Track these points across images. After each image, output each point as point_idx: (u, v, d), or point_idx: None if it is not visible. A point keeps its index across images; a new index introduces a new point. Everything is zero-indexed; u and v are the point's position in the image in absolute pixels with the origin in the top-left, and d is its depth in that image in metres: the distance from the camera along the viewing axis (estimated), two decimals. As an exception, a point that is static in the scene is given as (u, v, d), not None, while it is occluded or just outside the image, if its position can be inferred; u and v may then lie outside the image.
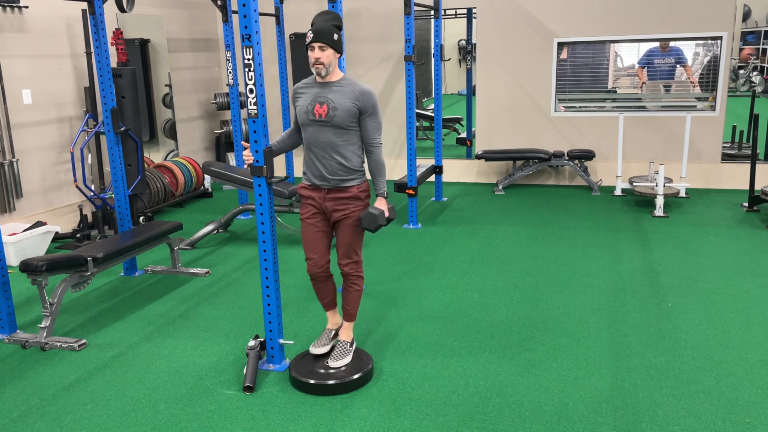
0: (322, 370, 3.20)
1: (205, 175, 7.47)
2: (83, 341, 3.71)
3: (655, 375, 3.22)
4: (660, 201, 6.18)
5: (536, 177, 7.74)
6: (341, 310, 3.38)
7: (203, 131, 8.24)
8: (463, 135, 9.15)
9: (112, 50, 6.00)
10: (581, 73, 7.47)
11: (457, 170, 8.04)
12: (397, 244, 5.47)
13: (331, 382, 3.12)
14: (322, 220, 3.19)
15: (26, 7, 5.63)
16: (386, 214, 3.18)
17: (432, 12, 6.93)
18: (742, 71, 14.21)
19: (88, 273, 3.93)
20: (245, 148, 3.22)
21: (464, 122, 9.54)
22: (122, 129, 4.88)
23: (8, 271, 4.28)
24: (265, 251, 3.22)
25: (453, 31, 13.14)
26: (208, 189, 7.57)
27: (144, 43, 7.24)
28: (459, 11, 8.58)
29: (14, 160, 5.53)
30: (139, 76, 6.57)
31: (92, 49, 4.98)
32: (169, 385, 3.24)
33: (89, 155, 6.20)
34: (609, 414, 2.90)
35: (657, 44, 7.29)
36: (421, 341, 3.65)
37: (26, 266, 3.69)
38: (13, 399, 3.16)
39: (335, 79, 3.07)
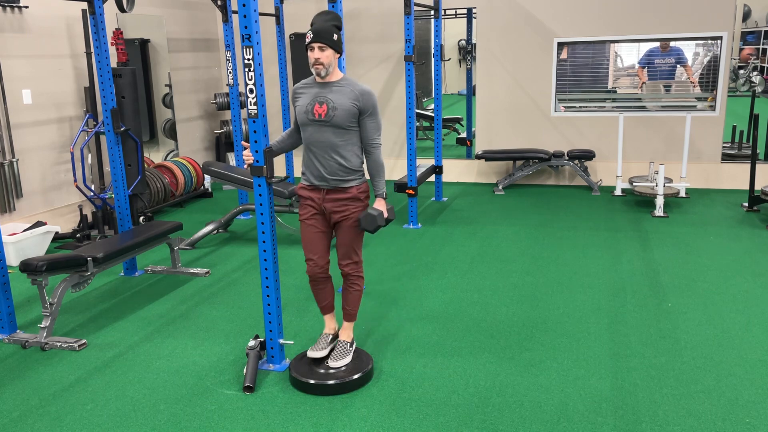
0: (322, 370, 3.20)
1: (205, 175, 7.47)
2: (83, 341, 3.71)
3: (655, 375, 3.22)
4: (660, 201, 6.18)
5: (536, 177, 7.74)
6: (341, 310, 3.38)
7: (203, 131, 8.24)
8: (463, 135, 9.15)
9: (112, 50, 6.00)
10: (581, 73, 7.47)
11: (457, 170, 8.04)
12: (397, 244, 5.47)
13: (331, 382, 3.12)
14: (321, 220, 3.19)
15: (26, 7, 5.63)
16: (385, 215, 3.18)
17: (432, 12, 6.93)
18: (742, 71, 14.21)
19: (88, 273, 3.93)
20: (245, 148, 3.22)
21: (464, 122, 9.54)
22: (122, 129, 4.88)
23: (8, 271, 4.28)
24: (265, 251, 3.22)
25: (453, 31, 13.14)
26: (208, 189, 7.57)
27: (144, 43, 7.24)
28: (459, 11, 8.58)
29: (14, 160, 5.53)
30: (139, 76, 6.58)
31: (92, 49, 4.98)
32: (169, 385, 3.24)
33: (89, 155, 6.20)
34: (609, 414, 2.90)
35: (657, 44, 7.29)
36: (421, 341, 3.65)
37: (26, 266, 3.69)
38: (13, 399, 3.16)
39: (335, 79, 3.07)
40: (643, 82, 7.46)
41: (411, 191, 5.92)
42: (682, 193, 6.74)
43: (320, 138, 3.06)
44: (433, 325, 3.85)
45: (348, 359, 3.28)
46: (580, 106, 7.58)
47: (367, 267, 4.82)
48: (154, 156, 7.54)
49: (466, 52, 8.83)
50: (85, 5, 5.91)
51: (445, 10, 7.68)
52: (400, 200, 6.85)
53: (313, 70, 3.04)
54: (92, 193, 5.80)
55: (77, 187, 5.70)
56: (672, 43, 7.25)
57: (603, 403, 2.98)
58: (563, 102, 7.57)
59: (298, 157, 7.95)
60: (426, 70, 10.97)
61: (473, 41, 8.26)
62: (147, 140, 7.41)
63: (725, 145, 7.64)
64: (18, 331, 3.90)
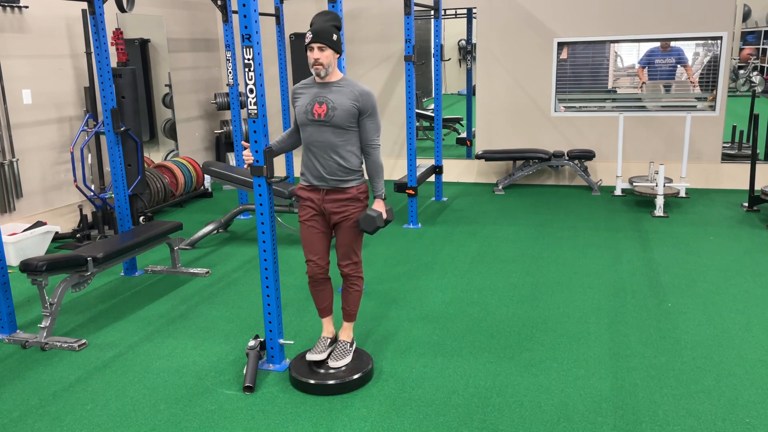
0: (322, 370, 3.20)
1: (205, 175, 7.47)
2: (83, 341, 3.71)
3: (655, 375, 3.22)
4: (660, 201, 6.18)
5: (536, 177, 7.74)
6: (340, 311, 3.38)
7: (203, 131, 8.24)
8: (463, 135, 9.15)
9: (112, 50, 6.00)
10: (581, 73, 7.47)
11: (457, 170, 8.04)
12: (397, 244, 5.47)
13: (331, 382, 3.12)
14: (321, 221, 3.18)
15: (26, 7, 5.63)
16: (384, 216, 3.18)
17: (432, 12, 6.93)
18: (742, 71, 14.21)
19: (88, 273, 3.93)
20: (245, 148, 3.22)
21: (464, 122, 9.54)
22: (122, 129, 4.88)
23: (8, 271, 4.28)
24: (265, 251, 3.22)
25: (453, 31, 13.14)
26: (208, 189, 7.57)
27: (144, 43, 7.24)
28: (459, 11, 8.58)
29: (14, 160, 5.53)
30: (139, 76, 6.58)
31: (92, 49, 4.98)
32: (169, 385, 3.24)
33: (89, 155, 6.20)
34: (609, 414, 2.90)
35: (658, 44, 7.29)
36: (421, 341, 3.65)
37: (26, 266, 3.69)
38: (13, 399, 3.16)
39: (335, 79, 3.07)
40: (643, 82, 7.46)
41: (411, 191, 5.92)
42: (682, 193, 6.74)
43: (320, 138, 3.06)
44: (433, 325, 3.85)
45: (348, 359, 3.28)
46: (580, 106, 7.58)
47: (367, 267, 4.82)
48: (154, 156, 7.54)
49: (466, 52, 8.83)
50: (85, 5, 5.91)
51: (445, 10, 7.68)
52: (400, 200, 6.85)
53: (312, 71, 3.04)
54: (92, 193, 5.80)
55: (77, 187, 5.70)
56: (672, 43, 7.25)
57: (603, 403, 2.98)
58: (563, 102, 7.57)
59: (298, 157, 7.95)
60: (426, 70, 10.97)
61: (473, 41, 8.27)
62: (147, 140, 7.41)
63: (725, 145, 7.64)
64: (18, 331, 3.91)
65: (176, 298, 4.43)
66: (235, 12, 6.15)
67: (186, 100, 7.87)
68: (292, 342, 3.53)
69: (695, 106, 7.25)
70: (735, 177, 7.20)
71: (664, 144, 7.29)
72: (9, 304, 3.84)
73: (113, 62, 5.99)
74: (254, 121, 3.10)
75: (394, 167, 8.16)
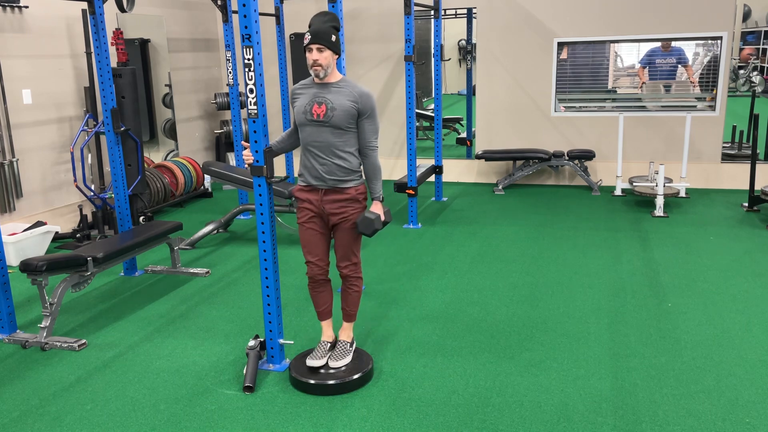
0: (322, 370, 3.20)
1: (205, 175, 7.47)
2: (83, 341, 3.71)
3: (655, 375, 3.22)
4: (660, 201, 6.18)
5: (536, 177, 7.74)
6: (340, 312, 3.38)
7: (203, 131, 8.24)
8: (463, 135, 9.15)
9: (112, 50, 6.00)
10: (581, 73, 7.47)
11: (457, 170, 8.04)
12: (397, 244, 5.47)
13: (331, 382, 3.12)
14: (319, 222, 3.18)
15: (26, 7, 5.63)
16: (382, 218, 3.17)
17: (432, 12, 6.93)
18: (742, 71, 14.21)
19: (88, 273, 3.93)
20: (245, 148, 3.21)
21: (464, 122, 9.54)
22: (122, 129, 4.88)
23: (8, 271, 4.28)
24: (265, 251, 3.22)
25: (453, 31, 13.14)
26: (208, 189, 7.57)
27: (144, 43, 7.25)
28: (459, 11, 8.58)
29: (14, 160, 5.53)
30: (139, 76, 6.58)
31: (92, 49, 4.99)
32: (169, 385, 3.24)
33: (89, 155, 6.20)
34: (609, 414, 2.90)
35: (658, 44, 7.29)
36: (421, 341, 3.65)
37: (26, 266, 3.69)
38: (13, 399, 3.16)
39: (334, 80, 3.07)
40: (643, 82, 7.47)
41: (411, 191, 5.92)
42: (682, 193, 6.74)
43: (318, 138, 3.06)
44: (433, 325, 3.85)
45: (348, 359, 3.28)
46: (580, 106, 7.58)
47: (367, 267, 4.82)
48: (154, 156, 7.54)
49: (466, 52, 8.83)
50: (85, 5, 5.91)
51: (445, 10, 7.68)
52: (399, 200, 6.85)
53: (311, 72, 3.04)
54: (92, 193, 5.81)
55: (77, 187, 5.70)
56: (673, 43, 7.25)
57: (603, 403, 2.98)
58: (563, 102, 7.57)
59: (298, 157, 7.95)
60: (426, 70, 10.97)
61: (473, 41, 8.27)
62: (147, 140, 7.41)
63: (725, 145, 7.64)
64: (18, 331, 3.91)
65: (176, 298, 4.43)
66: (235, 12, 6.15)
67: (186, 100, 7.87)
68: (292, 342, 3.53)
69: (695, 106, 7.25)
70: (735, 177, 7.20)
71: (664, 144, 7.29)
72: (9, 304, 3.84)
73: (113, 62, 5.99)
74: (254, 121, 3.10)
75: (394, 167, 8.16)
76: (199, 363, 3.47)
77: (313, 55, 2.98)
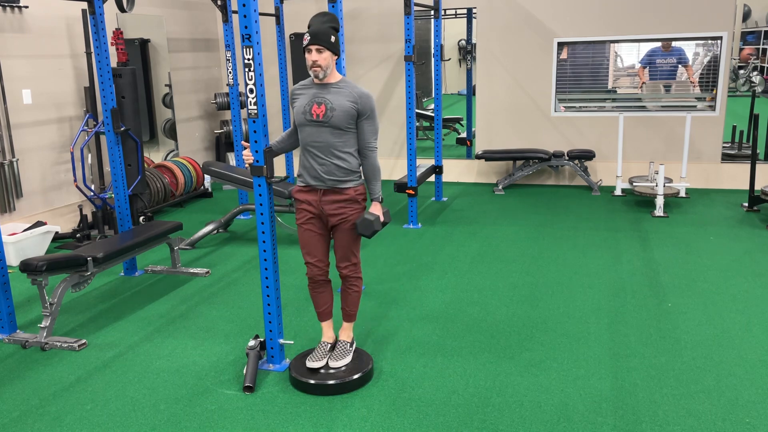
0: (323, 370, 3.20)
1: (205, 175, 7.47)
2: (83, 341, 3.71)
3: (655, 375, 3.22)
4: (660, 201, 6.18)
5: (536, 177, 7.74)
6: (340, 312, 3.38)
7: (203, 131, 8.24)
8: (463, 135, 9.15)
9: (112, 50, 6.00)
10: (581, 73, 7.47)
11: (457, 170, 8.04)
12: (397, 244, 5.47)
13: (331, 382, 3.12)
14: (318, 224, 3.17)
15: (26, 7, 5.63)
16: (381, 219, 3.17)
17: (432, 12, 6.93)
18: (742, 71, 14.21)
19: (88, 273, 3.93)
20: (245, 148, 3.21)
21: (464, 122, 9.54)
22: (122, 129, 4.88)
23: (8, 271, 4.28)
24: (265, 251, 3.22)
25: (453, 31, 13.14)
26: (208, 189, 7.57)
27: (144, 43, 7.25)
28: (459, 11, 8.58)
29: (14, 160, 5.53)
30: (139, 76, 6.58)
31: (92, 49, 4.99)
32: (169, 385, 3.24)
33: (89, 155, 6.20)
34: (609, 414, 2.90)
35: (659, 44, 7.29)
36: (421, 341, 3.64)
37: (26, 266, 3.69)
38: (13, 399, 3.16)
39: (333, 80, 3.07)
40: (643, 82, 7.47)
41: (411, 191, 5.92)
42: (682, 193, 6.74)
43: (318, 138, 3.06)
44: (433, 325, 3.85)
45: (348, 359, 3.28)
46: (580, 106, 7.58)
47: (367, 267, 4.82)
48: (154, 156, 7.54)
49: (466, 52, 8.84)
50: (85, 5, 5.91)
51: (445, 10, 7.68)
52: (400, 200, 6.85)
53: (311, 73, 3.03)
54: (92, 193, 5.81)
55: (77, 187, 5.70)
56: (673, 43, 7.25)
57: (603, 403, 2.98)
58: (563, 102, 7.57)
59: (298, 157, 7.94)
60: (426, 70, 10.97)
61: (473, 41, 8.27)
62: (147, 140, 7.41)
63: (725, 145, 7.64)
64: (18, 331, 3.91)
65: (176, 298, 4.43)
66: (235, 12, 6.15)
67: (186, 100, 7.87)
68: (292, 342, 3.53)
69: (695, 106, 7.25)
70: (735, 177, 7.20)
71: (664, 144, 7.29)
72: (9, 304, 3.84)
73: (113, 62, 5.99)
74: (254, 121, 3.10)
75: (394, 167, 8.16)
76: (199, 363, 3.47)
77: (312, 56, 2.98)
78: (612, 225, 5.90)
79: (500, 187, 7.43)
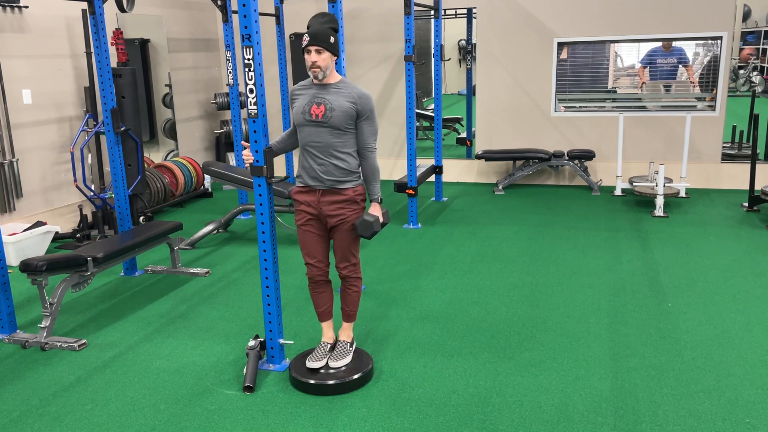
0: (323, 370, 3.20)
1: (205, 175, 7.47)
2: (83, 341, 3.71)
3: (655, 375, 3.22)
4: (660, 201, 6.18)
5: (536, 177, 7.74)
6: (340, 312, 3.38)
7: (203, 131, 8.24)
8: (463, 135, 9.15)
9: (112, 50, 6.00)
10: (581, 73, 7.47)
11: (457, 170, 8.04)
12: (397, 244, 5.47)
13: (331, 382, 3.12)
14: (317, 224, 3.17)
15: (26, 7, 5.63)
16: (381, 219, 3.17)
17: (432, 12, 6.93)
18: (742, 71, 14.21)
19: (88, 273, 3.93)
20: (245, 148, 3.21)
21: (464, 122, 9.54)
22: (122, 129, 4.88)
23: (8, 271, 4.28)
24: (265, 251, 3.22)
25: (453, 31, 13.14)
26: (208, 189, 7.57)
27: (144, 43, 7.25)
28: (459, 11, 8.58)
29: (14, 160, 5.53)
30: (139, 76, 6.58)
31: (92, 49, 4.99)
32: (169, 385, 3.24)
33: (89, 155, 6.20)
34: (609, 414, 2.90)
35: (659, 44, 7.29)
36: (421, 341, 3.65)
37: (26, 266, 3.69)
38: (13, 399, 3.16)
39: (333, 81, 3.07)
40: (643, 82, 7.47)
41: (411, 191, 5.92)
42: (682, 193, 6.74)
43: (317, 139, 3.05)
44: (433, 325, 3.85)
45: (348, 359, 3.28)
46: (580, 106, 7.58)
47: (367, 267, 4.82)
48: (154, 156, 7.54)
49: (466, 52, 8.83)
50: (85, 5, 5.91)
51: (445, 10, 7.68)
52: (399, 200, 6.85)
53: (310, 73, 3.03)
54: (92, 193, 5.81)
55: (77, 187, 5.70)
56: (674, 43, 7.25)
57: (603, 403, 2.98)
58: (563, 102, 7.57)
59: (297, 157, 7.94)
60: (426, 70, 10.97)
61: (473, 41, 8.27)
62: (147, 140, 7.41)
63: (725, 145, 7.64)
64: (18, 331, 3.91)
65: (176, 298, 4.43)
66: (235, 12, 6.15)
67: (186, 100, 7.87)
68: (292, 342, 3.53)
69: (695, 106, 7.25)
70: (735, 177, 7.20)
71: (664, 144, 7.29)
72: (9, 304, 3.84)
73: (113, 62, 5.99)
74: (254, 121, 3.10)
75: (394, 167, 8.16)
76: (199, 363, 3.47)
77: (311, 57, 2.98)
78: (612, 225, 5.90)
79: (500, 187, 7.43)
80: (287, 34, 7.66)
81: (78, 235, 5.73)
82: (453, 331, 3.77)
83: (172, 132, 7.72)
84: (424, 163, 6.84)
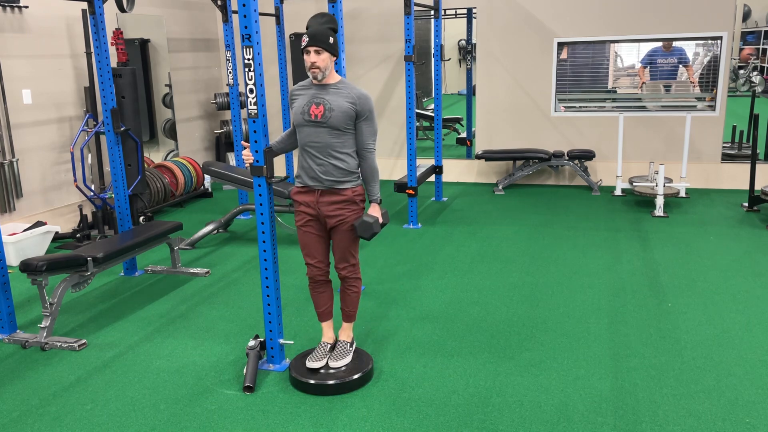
0: (323, 370, 3.20)
1: (205, 175, 7.47)
2: (83, 341, 3.71)
3: (655, 375, 3.22)
4: (660, 201, 6.18)
5: (536, 177, 7.74)
6: (339, 312, 3.38)
7: (203, 131, 8.24)
8: (463, 135, 9.15)
9: (112, 50, 6.00)
10: (581, 73, 7.47)
11: (457, 170, 8.04)
12: (397, 244, 5.47)
13: (331, 382, 3.12)
14: (317, 225, 3.17)
15: (26, 7, 5.63)
16: (380, 220, 3.17)
17: (432, 12, 6.93)
18: (742, 71, 14.21)
19: (88, 273, 3.93)
20: (245, 148, 3.21)
21: (464, 122, 9.54)
22: (122, 129, 4.88)
23: (8, 271, 4.28)
24: (265, 251, 3.22)
25: (453, 31, 13.14)
26: (208, 189, 7.57)
27: (144, 43, 7.25)
28: (459, 11, 8.58)
29: (14, 160, 5.53)
30: (139, 76, 6.58)
31: (92, 49, 4.99)
32: (169, 385, 3.24)
33: (89, 155, 6.20)
34: (609, 414, 2.90)
35: (660, 44, 7.29)
36: (421, 341, 3.65)
37: (26, 266, 3.69)
38: (13, 399, 3.16)
39: (332, 81, 3.07)
40: (643, 82, 7.47)
41: (411, 191, 5.92)
42: (682, 193, 6.74)
43: (316, 139, 3.05)
44: (433, 325, 3.85)
45: (348, 359, 3.28)
46: (580, 106, 7.58)
47: (367, 267, 4.82)
48: (154, 156, 7.54)
49: (466, 52, 8.83)
50: (85, 5, 5.91)
51: (445, 10, 7.68)
52: (399, 200, 6.85)
53: (309, 74, 3.03)
54: (92, 193, 5.81)
55: (77, 187, 5.70)
56: (674, 43, 7.25)
57: (603, 403, 2.98)
58: (563, 102, 7.57)
59: (297, 157, 7.93)
60: (426, 70, 10.97)
61: (473, 41, 8.27)
62: (147, 140, 7.41)
63: (725, 145, 7.64)
64: (18, 331, 3.91)
65: (176, 298, 4.43)
66: (235, 12, 6.15)
67: (186, 100, 7.87)
68: (292, 342, 3.53)
69: (695, 106, 7.25)
70: (735, 177, 7.20)
71: (664, 144, 7.29)
72: (9, 304, 3.84)
73: (113, 62, 5.99)
74: (254, 121, 3.10)
75: (394, 167, 8.16)
76: (199, 363, 3.47)
77: (310, 58, 2.98)
78: (612, 225, 5.90)
79: (500, 187, 7.43)
80: (287, 34, 7.65)
81: (78, 235, 5.73)
82: (453, 331, 3.77)
83: (172, 132, 7.72)
84: (424, 163, 6.84)
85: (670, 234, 5.57)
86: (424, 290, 4.42)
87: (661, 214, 6.15)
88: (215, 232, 5.82)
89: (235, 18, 6.51)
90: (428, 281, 4.59)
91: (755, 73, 14.03)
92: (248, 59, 3.03)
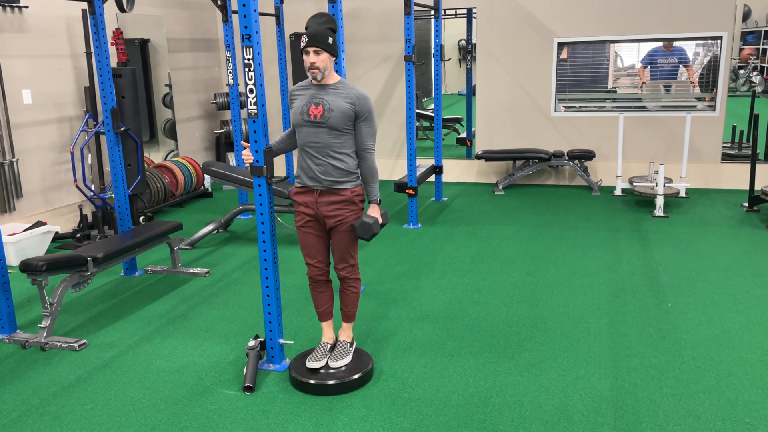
0: (323, 370, 3.20)
1: (205, 175, 7.47)
2: (83, 341, 3.71)
3: (655, 375, 3.22)
4: (660, 201, 6.18)
5: (536, 177, 7.74)
6: (339, 312, 3.38)
7: (203, 131, 8.24)
8: (463, 135, 9.15)
9: (112, 50, 6.00)
10: (581, 73, 7.47)
11: (457, 170, 8.04)
12: (397, 244, 5.47)
13: (331, 382, 3.13)
14: (316, 226, 3.17)
15: (26, 7, 5.63)
16: (380, 221, 3.17)
17: (432, 12, 6.93)
18: (742, 71, 14.21)
19: (88, 273, 3.93)
20: (245, 148, 3.21)
21: (464, 122, 9.54)
22: (122, 129, 4.88)
23: (8, 271, 4.28)
24: (265, 251, 3.23)
25: (453, 31, 13.14)
26: (208, 189, 7.57)
27: (144, 43, 7.25)
28: (459, 11, 8.58)
29: (14, 160, 5.53)
30: (139, 76, 6.58)
31: (92, 49, 4.99)
32: (169, 385, 3.24)
33: (89, 155, 6.20)
34: (609, 414, 2.90)
35: (660, 44, 7.29)
36: (421, 341, 3.65)
37: (26, 266, 3.69)
38: (13, 399, 3.16)
39: (332, 82, 3.07)
40: (644, 82, 7.47)
41: (411, 191, 5.92)
42: (682, 193, 6.74)
43: (315, 139, 3.05)
44: (433, 325, 3.85)
45: (348, 359, 3.28)
46: (580, 106, 7.58)
47: (367, 267, 4.82)
48: (154, 156, 7.54)
49: (466, 52, 8.83)
50: (85, 5, 5.91)
51: (445, 10, 7.68)
52: (399, 200, 6.85)
53: (308, 74, 3.03)
54: (92, 193, 5.81)
55: (77, 187, 5.70)
56: (674, 43, 7.25)
57: (603, 403, 2.98)
58: (563, 102, 7.57)
59: (296, 157, 7.93)
60: (426, 70, 10.97)
61: (473, 41, 8.27)
62: (147, 140, 7.41)
63: (725, 145, 7.64)
64: (18, 331, 3.91)
65: (176, 298, 4.43)
66: (235, 12, 6.15)
67: (186, 100, 7.87)
68: (292, 342, 3.53)
69: (695, 106, 7.25)
70: (735, 177, 7.20)
71: (664, 144, 7.29)
72: (9, 304, 3.84)
73: (113, 62, 5.99)
74: (254, 121, 3.10)
75: (394, 167, 8.16)
76: (199, 363, 3.47)
77: (310, 58, 2.98)
78: (612, 225, 5.90)
79: (500, 187, 7.43)
80: (287, 34, 7.65)
81: (78, 235, 5.73)
82: (453, 331, 3.77)
83: (172, 132, 7.72)
84: (424, 163, 6.84)
85: (670, 234, 5.57)
86: (424, 290, 4.42)
87: (661, 214, 6.15)
88: (215, 232, 5.83)
89: (235, 18, 6.51)
90: (428, 281, 4.59)
91: (755, 73, 14.03)
92: (248, 59, 3.03)
